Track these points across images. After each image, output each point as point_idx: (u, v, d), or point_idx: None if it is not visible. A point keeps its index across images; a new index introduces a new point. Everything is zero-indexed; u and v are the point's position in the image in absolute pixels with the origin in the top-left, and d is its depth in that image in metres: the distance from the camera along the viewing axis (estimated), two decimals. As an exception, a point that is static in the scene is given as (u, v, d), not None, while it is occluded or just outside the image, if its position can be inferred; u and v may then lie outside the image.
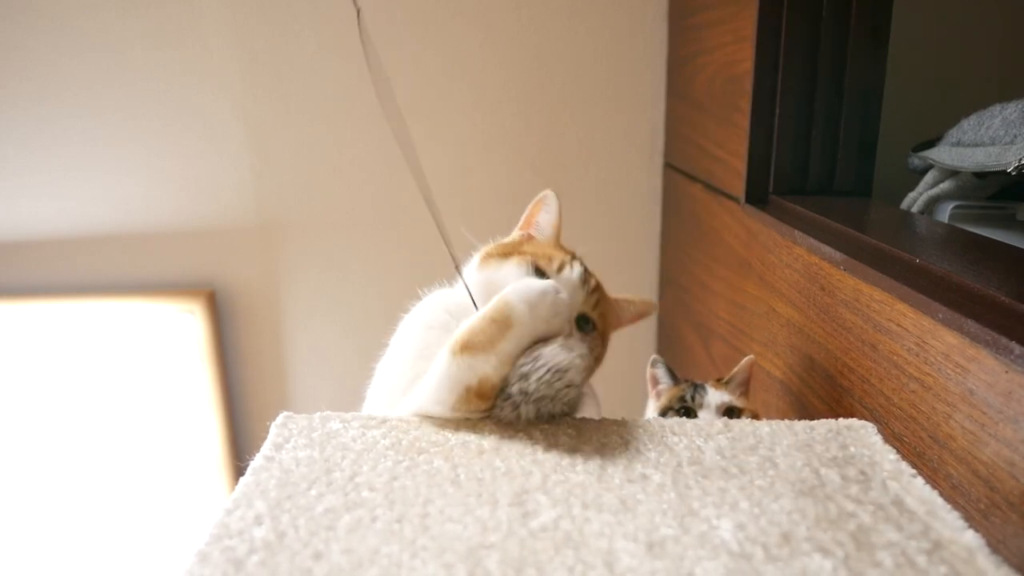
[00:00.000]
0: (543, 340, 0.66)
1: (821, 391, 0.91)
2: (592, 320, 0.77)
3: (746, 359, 0.95)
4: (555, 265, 0.77)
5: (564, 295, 0.68)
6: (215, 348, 1.70)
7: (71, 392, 1.71)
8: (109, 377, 1.71)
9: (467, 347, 0.63)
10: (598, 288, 0.80)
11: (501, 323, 0.64)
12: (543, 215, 0.86)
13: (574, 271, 0.77)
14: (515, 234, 0.88)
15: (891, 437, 0.74)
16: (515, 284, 0.67)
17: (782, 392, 1.04)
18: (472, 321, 0.65)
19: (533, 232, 0.86)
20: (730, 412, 0.89)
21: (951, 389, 0.65)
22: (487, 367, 0.63)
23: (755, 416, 0.89)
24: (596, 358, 0.78)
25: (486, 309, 0.66)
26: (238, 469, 1.75)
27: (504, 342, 0.63)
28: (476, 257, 0.82)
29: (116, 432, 1.74)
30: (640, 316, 0.86)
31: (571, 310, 0.73)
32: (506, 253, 0.80)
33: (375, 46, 0.70)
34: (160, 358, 1.70)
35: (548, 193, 0.85)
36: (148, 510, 1.80)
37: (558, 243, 0.85)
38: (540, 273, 0.75)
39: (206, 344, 1.69)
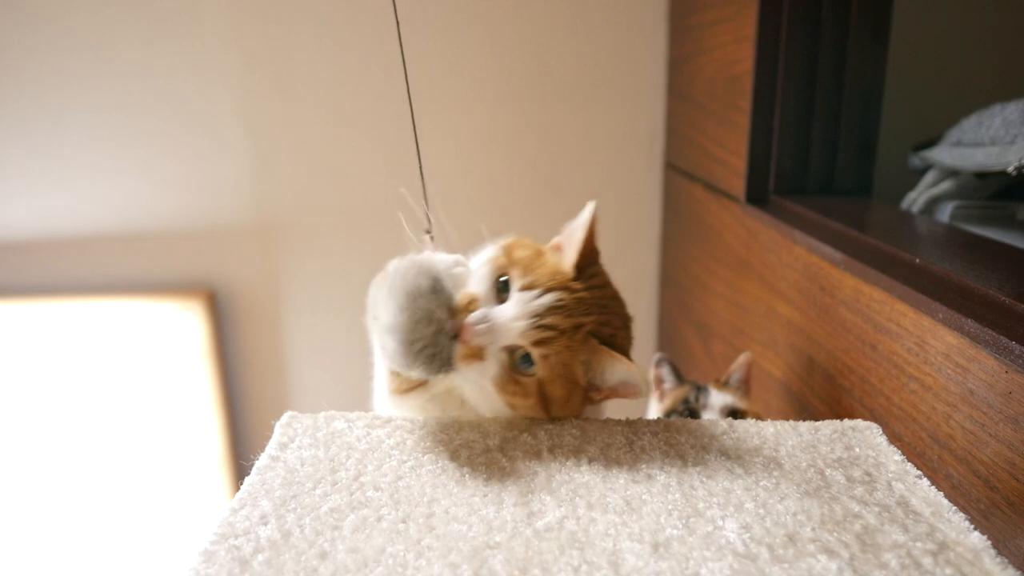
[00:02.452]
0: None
1: (821, 391, 0.91)
2: (532, 359, 0.64)
3: (742, 356, 0.95)
4: (524, 281, 0.65)
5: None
6: (215, 348, 1.70)
7: (72, 392, 1.71)
8: (109, 377, 1.71)
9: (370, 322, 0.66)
10: (566, 332, 0.64)
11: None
12: (571, 224, 0.71)
13: (538, 300, 0.64)
14: (555, 240, 0.74)
15: (891, 437, 0.74)
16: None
17: (782, 392, 1.04)
18: None
19: (563, 241, 0.73)
20: (733, 414, 0.89)
21: (951, 389, 0.66)
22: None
23: (758, 418, 0.90)
24: (527, 405, 0.66)
25: None
26: (239, 468, 1.76)
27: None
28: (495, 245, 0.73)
29: (117, 432, 1.74)
30: (624, 391, 0.67)
31: (497, 333, 0.63)
32: (509, 250, 0.70)
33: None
34: (160, 358, 1.70)
35: (588, 204, 0.70)
36: (149, 510, 1.80)
37: (579, 266, 0.68)
38: (505, 284, 0.66)
39: (206, 344, 1.69)
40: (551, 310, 0.63)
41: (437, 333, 0.60)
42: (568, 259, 0.68)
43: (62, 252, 1.68)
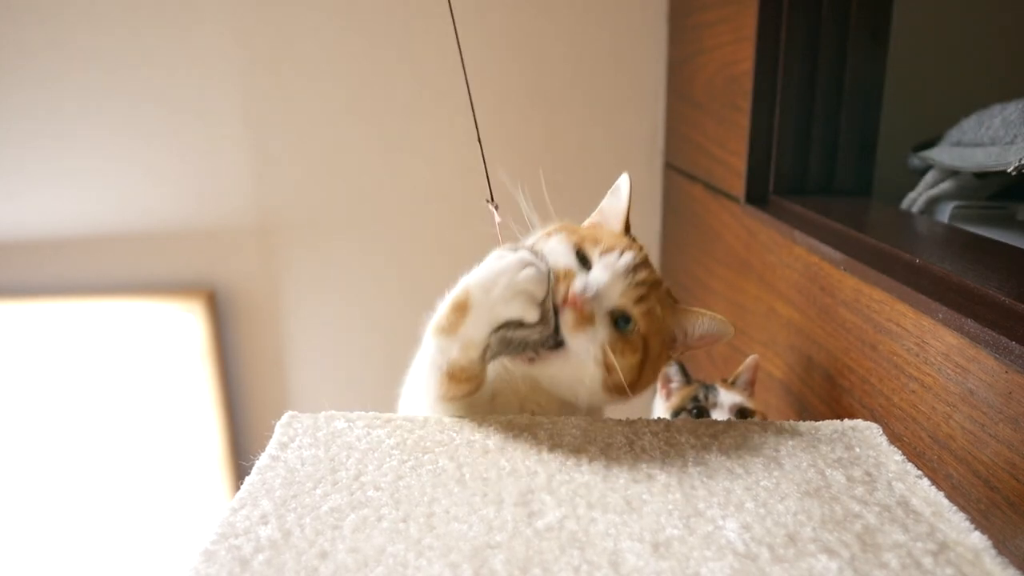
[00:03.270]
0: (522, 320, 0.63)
1: (821, 391, 0.91)
2: (631, 317, 0.68)
3: (750, 359, 0.95)
4: (600, 248, 0.70)
5: (532, 271, 0.61)
6: (215, 348, 1.70)
7: (71, 392, 1.71)
8: (109, 377, 1.71)
9: (437, 328, 0.64)
10: (652, 286, 0.70)
11: (460, 307, 0.63)
12: (608, 200, 0.79)
13: (620, 259, 0.69)
14: (588, 221, 0.82)
15: (891, 437, 0.74)
16: (482, 264, 0.64)
17: (782, 392, 1.04)
18: (444, 302, 0.65)
19: (601, 220, 0.80)
20: (742, 413, 0.89)
21: (951, 389, 0.66)
22: (453, 350, 0.64)
23: (765, 418, 0.90)
24: (631, 366, 0.68)
25: (452, 292, 0.65)
26: (239, 468, 1.76)
27: (464, 327, 0.63)
28: (540, 231, 0.77)
29: (117, 432, 1.74)
30: (713, 337, 0.74)
31: (601, 298, 0.67)
32: (563, 230, 0.74)
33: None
34: (160, 358, 1.70)
35: (621, 176, 0.78)
36: (149, 510, 1.80)
37: (625, 233, 0.77)
38: (582, 255, 0.70)
39: (206, 344, 1.69)
40: (636, 267, 0.69)
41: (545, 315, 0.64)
42: (616, 227, 0.76)
43: (62, 252, 1.68)
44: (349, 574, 0.46)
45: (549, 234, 0.73)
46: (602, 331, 0.66)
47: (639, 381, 0.69)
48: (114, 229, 1.67)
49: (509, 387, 0.71)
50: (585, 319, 0.65)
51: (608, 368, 0.66)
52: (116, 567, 1.82)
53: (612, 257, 0.68)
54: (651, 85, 1.68)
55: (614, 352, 0.66)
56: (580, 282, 0.66)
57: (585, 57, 1.66)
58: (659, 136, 1.71)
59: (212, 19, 1.57)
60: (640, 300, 0.68)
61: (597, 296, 0.66)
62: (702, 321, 0.73)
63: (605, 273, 0.67)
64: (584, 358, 0.66)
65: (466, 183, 1.69)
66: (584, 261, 0.69)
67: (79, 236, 1.67)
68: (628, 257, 0.69)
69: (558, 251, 0.70)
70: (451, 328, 0.63)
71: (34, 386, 1.71)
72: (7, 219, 1.65)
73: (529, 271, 0.61)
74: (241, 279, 1.74)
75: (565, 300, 0.65)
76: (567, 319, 0.65)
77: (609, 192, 0.79)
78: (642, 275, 0.69)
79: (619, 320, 0.68)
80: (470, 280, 0.63)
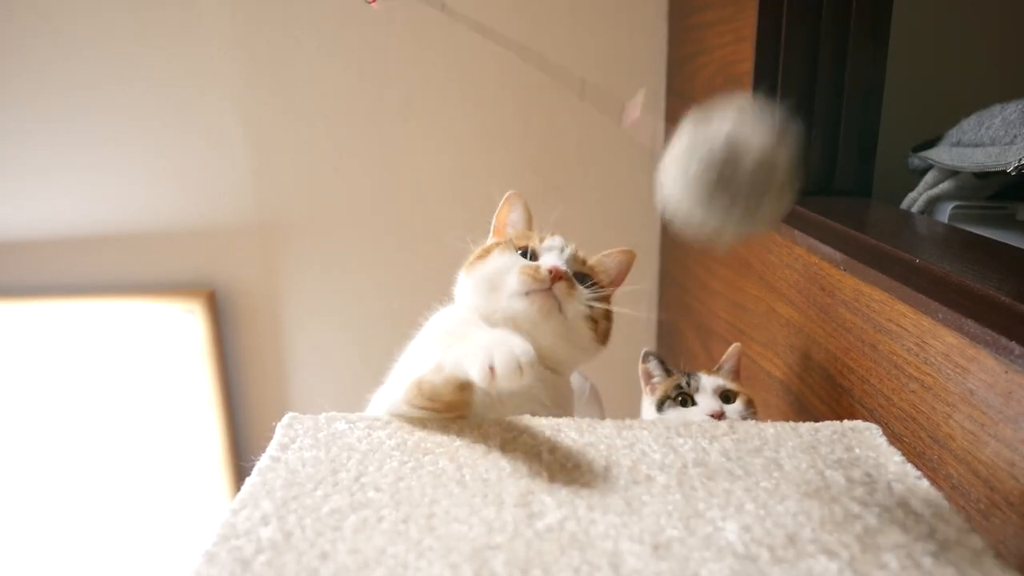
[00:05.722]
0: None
1: (821, 391, 0.91)
2: (589, 275, 0.81)
3: (732, 347, 0.96)
4: (535, 240, 0.81)
5: (522, 358, 0.57)
6: (215, 348, 1.70)
7: (71, 392, 1.71)
8: (109, 377, 1.71)
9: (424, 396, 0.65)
10: (579, 253, 0.84)
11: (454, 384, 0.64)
12: (513, 214, 0.89)
13: (555, 239, 0.81)
14: (490, 240, 0.89)
15: (891, 437, 0.74)
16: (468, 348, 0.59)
17: (782, 392, 1.04)
18: (428, 368, 0.64)
19: (508, 231, 0.89)
20: (727, 395, 0.89)
21: (951, 389, 0.66)
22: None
23: (751, 400, 0.90)
24: (606, 313, 0.80)
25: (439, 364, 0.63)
26: (238, 469, 1.76)
27: (453, 396, 0.65)
28: (461, 272, 0.83)
29: (116, 432, 1.74)
30: (626, 266, 0.89)
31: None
32: (488, 250, 0.82)
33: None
34: (160, 358, 1.70)
35: (510, 193, 0.89)
36: (149, 510, 1.80)
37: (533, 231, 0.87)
38: (524, 252, 0.79)
39: (206, 344, 1.69)
40: (565, 243, 0.82)
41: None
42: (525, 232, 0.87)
43: (62, 252, 1.68)
44: (350, 575, 0.46)
45: (480, 256, 0.82)
46: (583, 291, 0.77)
47: (610, 328, 0.82)
48: (114, 229, 1.67)
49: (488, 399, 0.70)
50: (572, 284, 0.76)
51: (594, 319, 0.78)
52: (116, 568, 1.82)
53: (550, 241, 0.81)
54: (651, 85, 1.68)
55: (595, 313, 0.78)
56: (550, 259, 0.77)
57: (585, 57, 1.66)
58: (659, 136, 1.70)
59: (212, 19, 1.57)
60: (585, 261, 0.82)
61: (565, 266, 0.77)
62: (611, 259, 0.86)
63: (555, 251, 0.79)
64: (577, 318, 0.77)
65: (465, 183, 1.69)
66: (526, 255, 0.80)
67: (79, 236, 1.67)
68: (559, 237, 0.82)
69: (507, 257, 0.79)
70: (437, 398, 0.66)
71: (34, 386, 1.71)
72: (7, 219, 1.65)
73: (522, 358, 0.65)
74: (241, 279, 1.74)
75: (552, 276, 0.74)
76: (560, 289, 0.75)
77: (509, 209, 0.89)
78: (573, 245, 0.82)
79: (581, 279, 0.79)
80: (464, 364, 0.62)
